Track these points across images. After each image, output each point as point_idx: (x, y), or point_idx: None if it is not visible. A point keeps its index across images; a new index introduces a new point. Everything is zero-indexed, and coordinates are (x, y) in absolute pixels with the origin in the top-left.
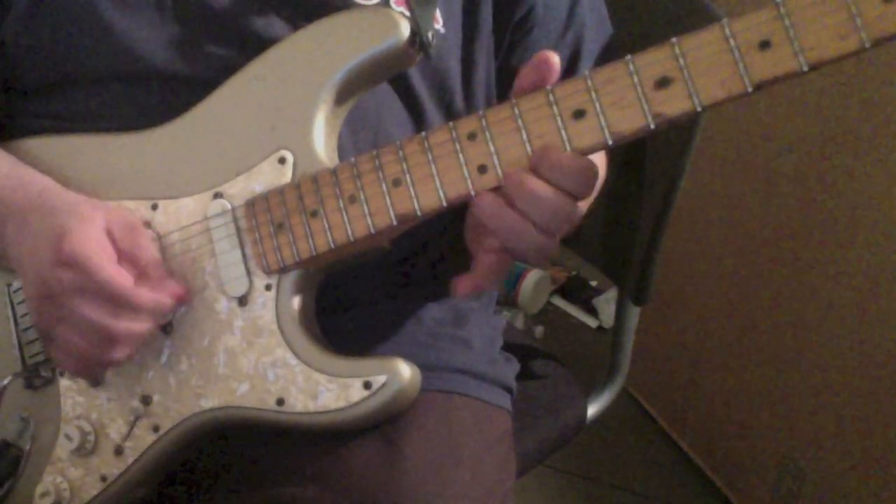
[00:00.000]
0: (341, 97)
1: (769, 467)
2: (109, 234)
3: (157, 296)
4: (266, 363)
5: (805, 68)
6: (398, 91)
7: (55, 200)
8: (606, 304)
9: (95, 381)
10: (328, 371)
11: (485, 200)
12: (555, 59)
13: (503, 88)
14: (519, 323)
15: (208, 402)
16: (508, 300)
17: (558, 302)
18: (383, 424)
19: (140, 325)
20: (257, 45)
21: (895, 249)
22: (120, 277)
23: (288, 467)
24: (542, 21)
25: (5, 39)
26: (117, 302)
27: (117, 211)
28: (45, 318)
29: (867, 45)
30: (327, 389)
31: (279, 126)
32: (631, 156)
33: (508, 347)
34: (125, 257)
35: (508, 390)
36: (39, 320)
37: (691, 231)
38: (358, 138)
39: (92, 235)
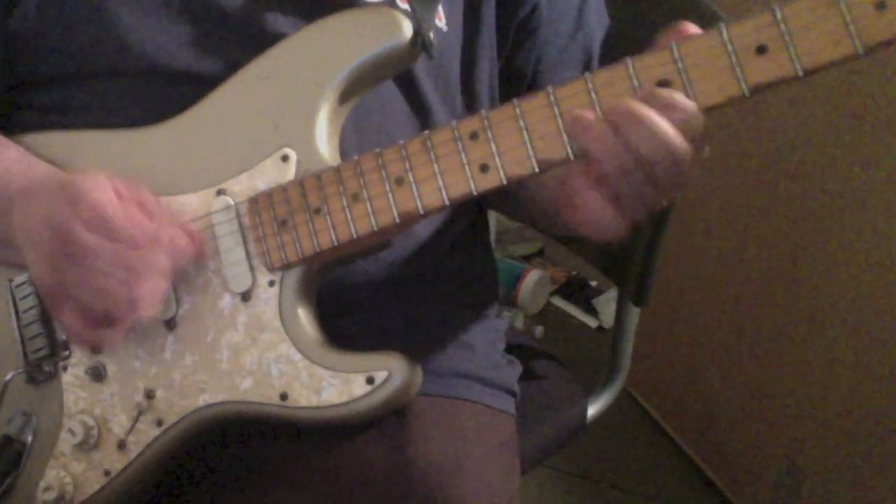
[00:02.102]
0: (344, 96)
1: (769, 467)
2: (116, 191)
3: (169, 230)
4: (269, 359)
5: (801, 73)
6: (403, 90)
7: (61, 175)
8: (606, 304)
9: (109, 345)
10: (331, 366)
11: (599, 130)
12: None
13: (507, 87)
14: (519, 323)
15: (212, 397)
16: (508, 300)
17: (558, 302)
18: (388, 430)
19: (160, 258)
20: (264, 43)
21: (895, 249)
22: (132, 210)
23: (292, 472)
24: (548, 21)
25: (13, 32)
26: (134, 233)
27: (117, 177)
28: (60, 266)
29: (861, 51)
30: (330, 384)
31: (282, 124)
32: None
33: (509, 348)
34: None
35: (512, 394)
36: (52, 274)
37: (691, 231)
38: (362, 138)
39: (100, 182)
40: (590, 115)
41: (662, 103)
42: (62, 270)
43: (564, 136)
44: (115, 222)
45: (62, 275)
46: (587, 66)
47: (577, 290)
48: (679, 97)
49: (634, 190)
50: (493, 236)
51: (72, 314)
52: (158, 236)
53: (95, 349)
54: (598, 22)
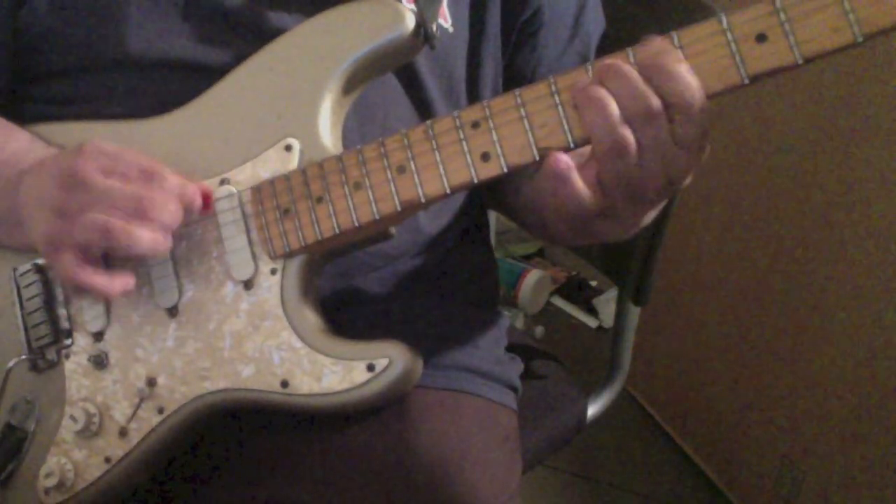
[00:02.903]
0: (347, 87)
1: (769, 467)
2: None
3: (184, 183)
4: (271, 346)
5: (800, 61)
6: (406, 86)
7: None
8: (606, 304)
9: (103, 290)
10: (332, 354)
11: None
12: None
13: (509, 87)
14: (519, 323)
15: (213, 385)
16: (508, 300)
17: (558, 302)
18: (391, 422)
19: (170, 201)
20: (268, 35)
21: (895, 249)
22: (147, 158)
23: (295, 465)
24: (548, 23)
25: (22, 27)
26: (147, 173)
27: None
28: (67, 213)
29: (859, 38)
30: (332, 371)
31: (286, 114)
32: None
33: (509, 347)
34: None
35: (514, 389)
36: (58, 223)
37: (691, 231)
38: (365, 132)
39: (109, 145)
40: (620, 62)
41: (662, 74)
42: (69, 215)
43: (565, 125)
44: (125, 164)
45: (68, 220)
46: None
47: (577, 290)
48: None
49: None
50: (493, 236)
51: (69, 257)
52: (168, 179)
53: (93, 292)
54: (594, 24)
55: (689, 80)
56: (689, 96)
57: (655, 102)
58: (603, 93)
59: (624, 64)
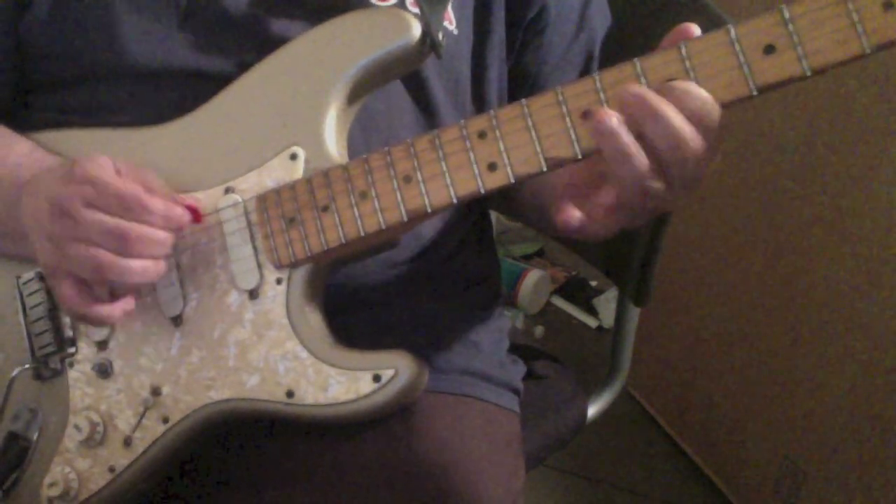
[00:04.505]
0: (353, 95)
1: (769, 467)
2: (116, 169)
3: (169, 205)
4: (276, 356)
5: (808, 73)
6: (412, 93)
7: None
8: (606, 304)
9: (107, 320)
10: (338, 364)
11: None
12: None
13: (511, 88)
14: (519, 323)
15: (218, 394)
16: (508, 300)
17: (558, 302)
18: (395, 426)
19: (155, 232)
20: (271, 43)
21: (895, 249)
22: (132, 185)
23: (297, 470)
24: (554, 22)
25: (24, 37)
26: (129, 205)
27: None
28: (58, 242)
29: (868, 50)
30: (337, 382)
31: (290, 123)
32: None
33: (510, 348)
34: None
35: (516, 392)
36: (54, 246)
37: (691, 231)
38: (370, 140)
39: (101, 161)
40: (603, 110)
41: (676, 93)
42: (60, 245)
43: (573, 135)
44: (107, 196)
45: (60, 249)
46: (587, 67)
47: (577, 290)
48: (692, 86)
49: (638, 193)
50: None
51: (70, 289)
52: (152, 209)
53: (94, 323)
54: (600, 21)
55: (707, 98)
56: (713, 115)
57: (691, 137)
58: (633, 147)
59: (658, 102)
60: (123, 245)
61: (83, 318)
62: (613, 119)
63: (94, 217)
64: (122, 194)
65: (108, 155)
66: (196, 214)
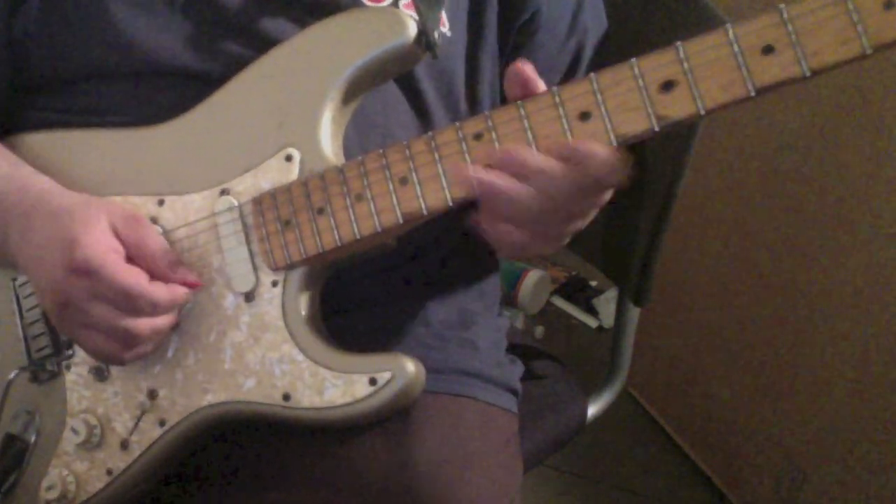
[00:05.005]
0: (348, 96)
1: (769, 467)
2: (115, 231)
3: (172, 289)
4: (272, 359)
5: (807, 73)
6: (406, 93)
7: (56, 202)
8: (606, 304)
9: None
10: (334, 367)
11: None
12: (529, 67)
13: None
14: (519, 323)
15: (214, 397)
16: (508, 300)
17: (558, 302)
18: (392, 427)
19: (160, 321)
20: (265, 43)
21: (895, 249)
22: (134, 278)
23: (295, 470)
24: (546, 24)
25: (16, 35)
26: (135, 302)
27: (119, 206)
28: (66, 324)
29: (868, 51)
30: (333, 385)
31: (286, 124)
32: (631, 156)
33: (509, 348)
34: (134, 252)
35: (514, 393)
36: (62, 327)
37: (691, 231)
38: (366, 140)
39: (100, 239)
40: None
41: (564, 154)
42: (70, 327)
43: (570, 137)
44: (112, 292)
45: (71, 329)
46: (573, 70)
47: (577, 290)
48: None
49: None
50: None
51: (94, 345)
52: (158, 303)
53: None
54: (594, 25)
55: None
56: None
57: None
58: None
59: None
60: (132, 340)
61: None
62: (480, 171)
63: (101, 312)
64: (127, 291)
65: (102, 159)
66: (195, 286)
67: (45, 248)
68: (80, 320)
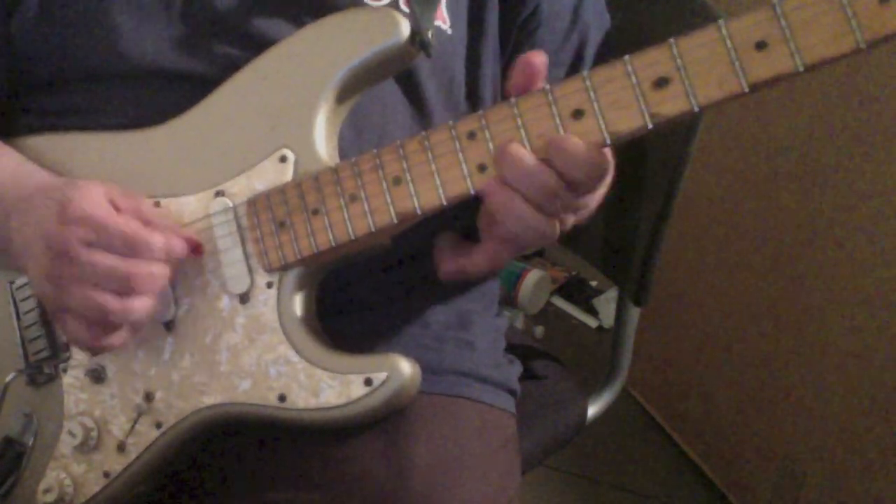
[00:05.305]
0: (342, 96)
1: (769, 468)
2: (111, 200)
3: (168, 237)
4: (268, 360)
5: (801, 69)
6: (406, 93)
7: (55, 181)
8: (606, 304)
9: (109, 349)
10: (329, 368)
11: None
12: (539, 60)
13: (502, 87)
14: (519, 323)
15: (210, 399)
16: (508, 300)
17: (558, 302)
18: (388, 428)
19: (156, 268)
20: (262, 44)
21: (895, 250)
22: (131, 222)
23: (292, 471)
24: (547, 20)
25: (13, 36)
26: (130, 244)
27: (115, 185)
28: (57, 282)
29: (862, 45)
30: (329, 386)
31: (280, 125)
32: (631, 156)
33: (509, 348)
34: (130, 215)
35: (512, 393)
36: (52, 289)
37: (691, 231)
38: (362, 140)
39: (94, 196)
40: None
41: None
42: (59, 285)
43: (562, 133)
44: (107, 235)
45: (61, 290)
46: (575, 67)
47: (577, 290)
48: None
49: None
50: None
51: (72, 323)
52: (153, 246)
53: (97, 352)
54: (595, 22)
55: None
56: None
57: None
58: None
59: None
60: (126, 284)
61: (92, 351)
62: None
63: (95, 258)
64: (123, 233)
65: (98, 161)
66: (198, 247)
67: (41, 213)
68: (73, 273)
